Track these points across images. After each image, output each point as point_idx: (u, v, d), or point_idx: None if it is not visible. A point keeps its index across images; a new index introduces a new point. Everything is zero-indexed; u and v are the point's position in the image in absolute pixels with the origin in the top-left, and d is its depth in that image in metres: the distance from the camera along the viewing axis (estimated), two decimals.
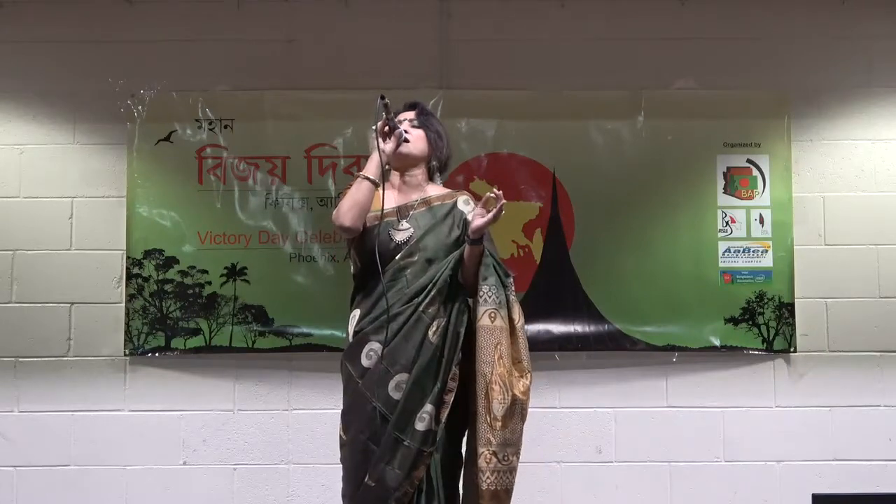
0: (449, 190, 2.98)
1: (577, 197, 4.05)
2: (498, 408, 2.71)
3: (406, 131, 2.82)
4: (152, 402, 4.02)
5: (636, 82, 4.11)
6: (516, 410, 2.75)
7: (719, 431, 4.04)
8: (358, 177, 2.77)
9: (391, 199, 2.82)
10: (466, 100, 4.07)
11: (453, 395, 2.76)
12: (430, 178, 2.95)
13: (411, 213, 2.85)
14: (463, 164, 4.05)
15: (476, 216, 2.76)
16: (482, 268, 2.79)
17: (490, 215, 2.73)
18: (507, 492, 2.75)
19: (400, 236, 2.82)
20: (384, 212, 2.76)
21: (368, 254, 2.80)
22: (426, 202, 2.89)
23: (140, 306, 3.99)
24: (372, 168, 2.76)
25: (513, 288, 2.85)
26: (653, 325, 4.01)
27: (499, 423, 2.71)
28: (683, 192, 4.06)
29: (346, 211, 2.76)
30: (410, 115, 2.92)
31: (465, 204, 2.93)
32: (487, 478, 2.71)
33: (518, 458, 2.79)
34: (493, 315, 2.76)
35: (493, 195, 2.72)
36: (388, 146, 2.76)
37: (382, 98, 2.72)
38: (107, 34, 4.13)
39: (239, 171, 4.04)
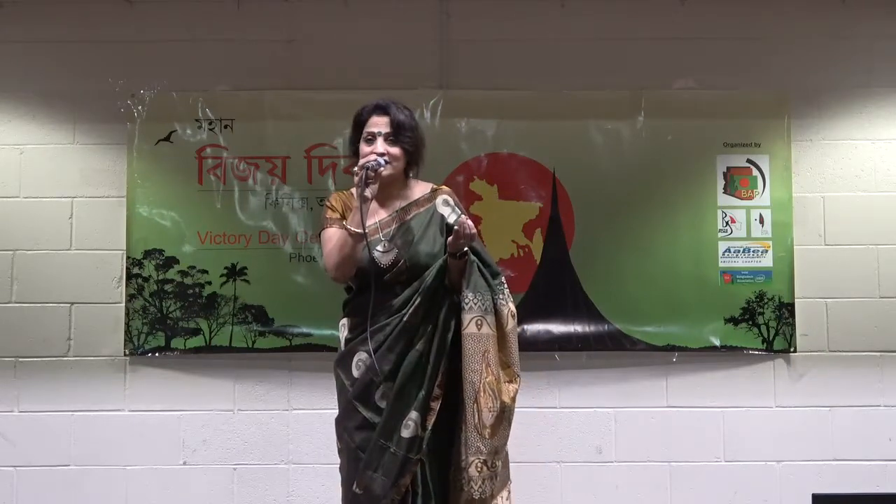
0: (428, 188, 2.95)
1: (577, 197, 4.05)
2: (487, 416, 2.71)
3: (384, 154, 2.78)
4: (152, 402, 4.01)
5: (636, 82, 4.11)
6: (505, 417, 2.75)
7: (719, 431, 4.04)
8: (345, 228, 2.76)
9: (373, 214, 2.81)
10: (466, 100, 4.07)
11: (440, 401, 2.76)
12: (408, 179, 2.94)
13: (393, 228, 2.85)
14: (463, 164, 4.05)
15: (453, 235, 2.75)
16: (465, 275, 2.77)
17: (451, 239, 2.73)
18: (492, 496, 2.76)
19: (386, 259, 2.81)
20: (367, 232, 2.73)
21: (362, 275, 2.80)
22: (406, 212, 2.87)
23: (140, 306, 3.99)
24: (357, 221, 2.71)
25: (503, 289, 2.82)
26: (653, 325, 4.01)
27: (488, 432, 2.72)
28: (683, 192, 4.06)
29: (337, 267, 2.78)
30: (384, 125, 2.83)
31: (444, 205, 2.92)
32: (480, 486, 2.71)
33: (501, 462, 2.80)
34: (479, 322, 2.75)
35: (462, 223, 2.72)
36: (371, 189, 2.73)
37: (370, 168, 2.71)
38: (107, 34, 4.13)
39: (239, 171, 4.04)
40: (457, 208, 2.93)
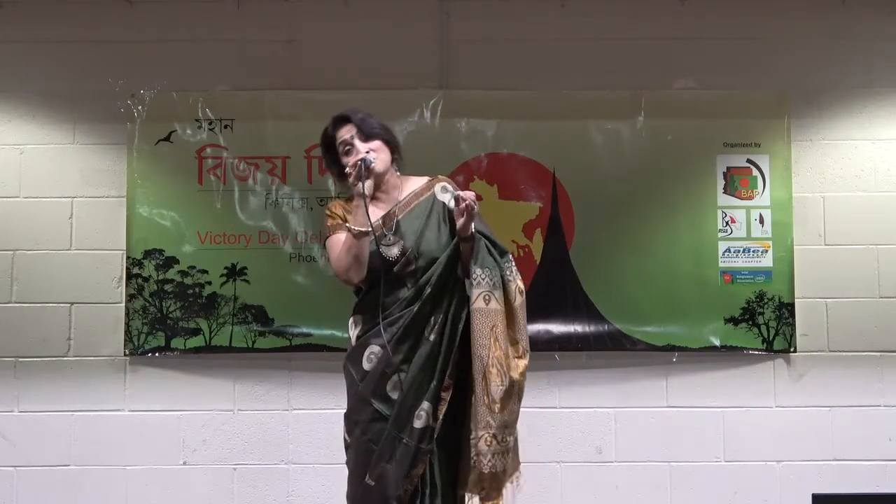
0: (424, 180, 2.95)
1: (577, 197, 4.05)
2: (497, 391, 2.71)
3: (368, 151, 2.78)
4: (152, 402, 4.02)
5: (636, 82, 4.11)
6: (514, 392, 2.74)
7: (719, 431, 4.04)
8: (350, 231, 2.74)
9: (374, 212, 2.80)
10: (466, 100, 4.07)
11: (451, 392, 2.76)
12: (398, 169, 2.94)
13: (395, 221, 2.84)
14: (463, 164, 4.05)
15: (456, 216, 2.76)
16: (474, 252, 2.77)
17: (463, 218, 2.73)
18: (505, 472, 2.75)
19: (393, 251, 2.82)
20: (373, 228, 2.73)
21: (371, 272, 2.80)
22: (406, 205, 2.88)
23: (140, 306, 3.99)
24: (360, 219, 2.72)
25: (511, 266, 2.81)
26: (653, 325, 4.01)
27: (497, 406, 2.71)
28: (683, 192, 4.06)
29: (348, 269, 2.77)
30: (351, 129, 2.83)
31: (443, 192, 2.91)
32: (489, 461, 2.71)
33: (514, 437, 2.78)
34: (487, 297, 2.75)
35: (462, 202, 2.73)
36: (368, 183, 2.74)
37: (365, 162, 2.72)
38: (107, 34, 4.13)
39: (239, 171, 4.04)
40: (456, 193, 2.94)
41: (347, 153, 2.83)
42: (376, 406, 2.75)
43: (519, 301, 2.81)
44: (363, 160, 2.74)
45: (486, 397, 2.71)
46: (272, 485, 4.01)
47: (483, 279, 2.76)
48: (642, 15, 4.16)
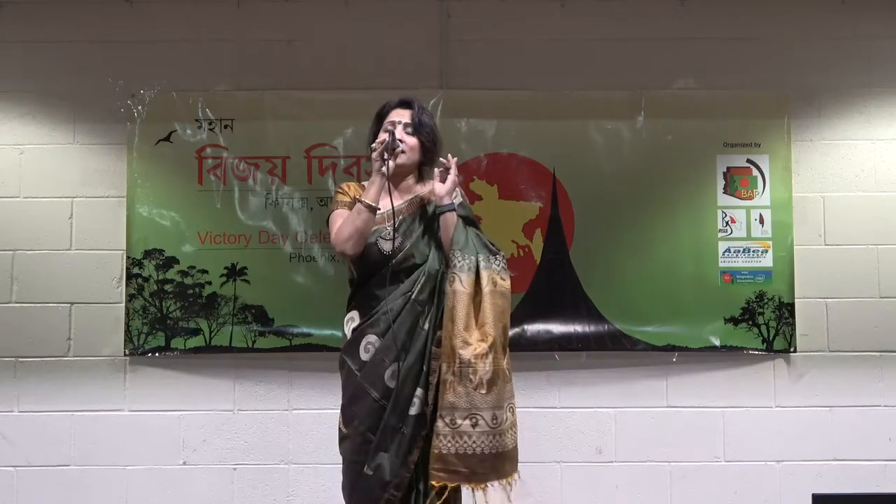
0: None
1: (577, 197, 4.05)
2: (445, 371, 2.73)
3: (401, 141, 2.83)
4: (152, 402, 4.02)
5: (636, 82, 4.11)
6: (466, 375, 2.71)
7: (719, 431, 4.04)
8: (359, 203, 2.78)
9: (385, 204, 2.83)
10: (466, 100, 4.07)
11: (437, 375, 2.77)
12: (421, 177, 2.98)
13: (400, 218, 2.86)
14: (463, 164, 4.05)
15: (436, 185, 2.84)
16: (454, 233, 2.82)
17: (450, 178, 2.82)
18: (458, 457, 2.70)
19: (388, 245, 2.84)
20: (378, 208, 2.80)
21: (366, 264, 2.84)
22: (414, 203, 2.92)
23: (140, 306, 3.99)
24: (372, 194, 2.77)
25: (498, 259, 2.84)
26: (653, 325, 4.01)
27: (444, 386, 2.72)
28: (683, 192, 4.06)
29: (347, 239, 2.79)
30: (405, 116, 2.90)
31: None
32: (439, 442, 2.71)
33: (472, 421, 2.71)
34: (451, 279, 2.79)
35: (443, 164, 2.83)
36: (390, 164, 2.79)
37: (393, 143, 2.79)
38: (107, 34, 4.13)
39: (239, 171, 4.04)
40: (465, 201, 2.98)
41: (388, 132, 2.88)
42: (373, 394, 2.78)
43: (489, 289, 2.78)
44: (392, 138, 2.79)
45: (441, 379, 2.73)
46: (272, 485, 4.01)
47: (456, 262, 2.79)
48: (642, 15, 4.16)
